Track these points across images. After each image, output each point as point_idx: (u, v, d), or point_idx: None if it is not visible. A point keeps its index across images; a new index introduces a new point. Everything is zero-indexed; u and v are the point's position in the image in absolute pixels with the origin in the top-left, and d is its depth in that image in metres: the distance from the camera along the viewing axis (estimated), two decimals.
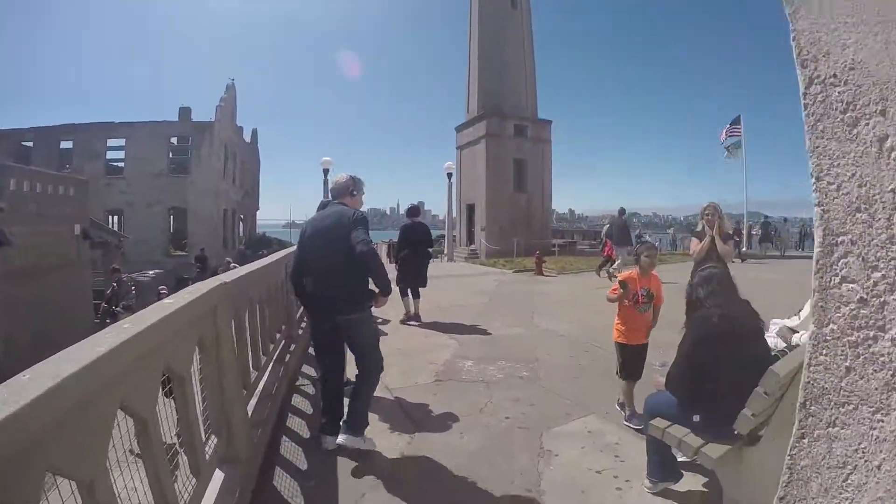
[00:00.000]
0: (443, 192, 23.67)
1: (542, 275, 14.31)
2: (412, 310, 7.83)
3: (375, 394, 3.72)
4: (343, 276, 3.30)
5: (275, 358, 4.46)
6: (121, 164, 30.19)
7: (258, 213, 44.14)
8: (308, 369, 5.20)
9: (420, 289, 7.87)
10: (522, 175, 26.45)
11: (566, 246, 28.54)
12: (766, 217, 26.98)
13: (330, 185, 3.84)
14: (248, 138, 40.53)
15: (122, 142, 29.55)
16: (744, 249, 19.66)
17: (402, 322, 7.73)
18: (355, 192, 3.68)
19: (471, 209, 27.17)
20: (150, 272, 20.62)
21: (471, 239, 26.46)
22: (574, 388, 4.79)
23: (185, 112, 30.91)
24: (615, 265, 12.56)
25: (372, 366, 3.49)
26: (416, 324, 7.65)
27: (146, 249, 26.89)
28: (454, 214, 24.52)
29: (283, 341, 5.05)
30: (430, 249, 8.39)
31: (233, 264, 21.02)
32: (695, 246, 4.90)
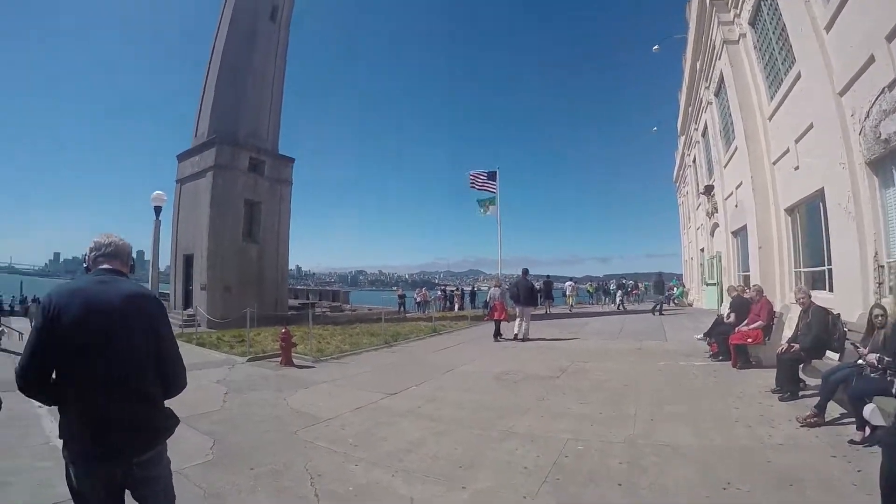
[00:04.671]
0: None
1: (294, 365, 9.93)
2: None
3: None
4: (148, 390, 2.21)
5: None
6: None
7: None
8: None
9: None
10: (255, 221, 21.68)
11: (304, 308, 24.45)
12: (549, 276, 27.40)
13: (97, 242, 2.36)
14: None
15: None
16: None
17: None
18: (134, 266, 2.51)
19: (189, 261, 21.00)
20: None
21: (188, 301, 20.12)
22: None
23: None
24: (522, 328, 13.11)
25: None
26: None
27: None
28: (161, 268, 18.18)
29: None
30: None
31: None
32: None
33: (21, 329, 21.77)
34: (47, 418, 5.88)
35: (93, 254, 2.35)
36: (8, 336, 17.68)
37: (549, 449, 4.86)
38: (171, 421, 2.33)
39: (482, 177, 24.40)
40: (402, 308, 27.96)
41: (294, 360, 10.07)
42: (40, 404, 6.15)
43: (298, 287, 41.96)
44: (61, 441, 2.15)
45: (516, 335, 13.15)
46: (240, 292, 19.83)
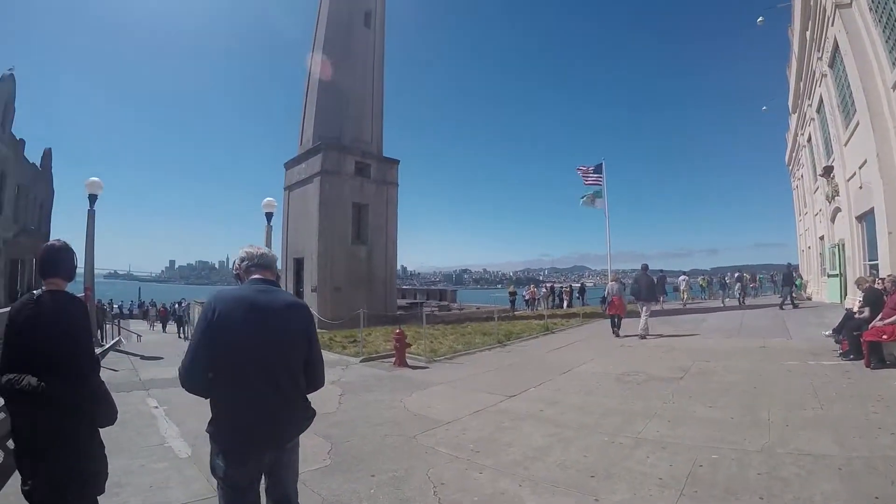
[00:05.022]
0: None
1: (407, 365, 9.74)
2: None
3: None
4: (299, 385, 2.46)
5: None
6: None
7: None
8: None
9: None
10: (363, 223, 22.04)
11: (412, 308, 24.66)
12: (662, 271, 26.05)
13: (249, 253, 2.57)
14: (34, 159, 31.46)
15: None
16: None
17: None
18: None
19: (299, 264, 21.85)
20: None
21: None
22: None
23: None
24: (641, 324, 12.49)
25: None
26: None
27: None
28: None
29: None
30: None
31: None
32: None
33: (139, 331, 23.88)
34: (163, 419, 6.05)
35: (245, 263, 2.57)
36: (126, 339, 19.32)
37: (681, 457, 4.41)
38: (311, 412, 2.56)
39: (588, 169, 23.26)
40: (513, 306, 27.45)
41: (407, 361, 9.88)
42: (157, 405, 6.37)
43: (405, 287, 42.75)
44: (208, 433, 2.32)
45: (640, 334, 12.52)
46: (349, 293, 20.30)
